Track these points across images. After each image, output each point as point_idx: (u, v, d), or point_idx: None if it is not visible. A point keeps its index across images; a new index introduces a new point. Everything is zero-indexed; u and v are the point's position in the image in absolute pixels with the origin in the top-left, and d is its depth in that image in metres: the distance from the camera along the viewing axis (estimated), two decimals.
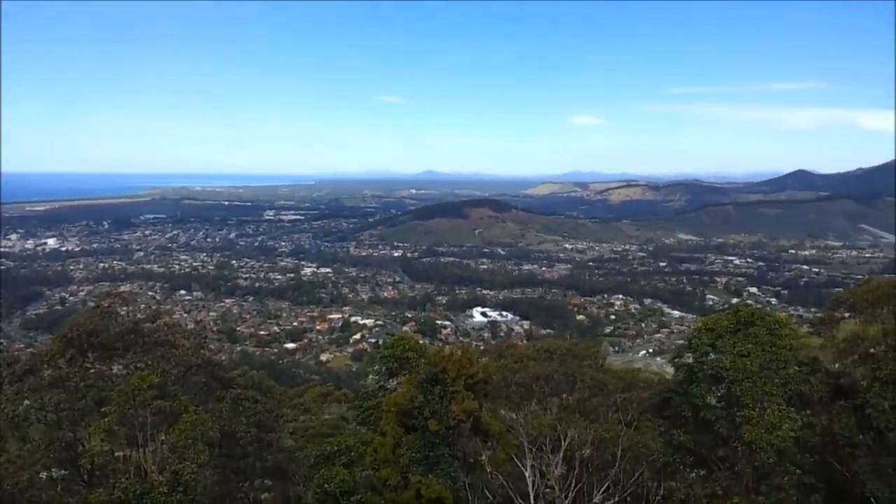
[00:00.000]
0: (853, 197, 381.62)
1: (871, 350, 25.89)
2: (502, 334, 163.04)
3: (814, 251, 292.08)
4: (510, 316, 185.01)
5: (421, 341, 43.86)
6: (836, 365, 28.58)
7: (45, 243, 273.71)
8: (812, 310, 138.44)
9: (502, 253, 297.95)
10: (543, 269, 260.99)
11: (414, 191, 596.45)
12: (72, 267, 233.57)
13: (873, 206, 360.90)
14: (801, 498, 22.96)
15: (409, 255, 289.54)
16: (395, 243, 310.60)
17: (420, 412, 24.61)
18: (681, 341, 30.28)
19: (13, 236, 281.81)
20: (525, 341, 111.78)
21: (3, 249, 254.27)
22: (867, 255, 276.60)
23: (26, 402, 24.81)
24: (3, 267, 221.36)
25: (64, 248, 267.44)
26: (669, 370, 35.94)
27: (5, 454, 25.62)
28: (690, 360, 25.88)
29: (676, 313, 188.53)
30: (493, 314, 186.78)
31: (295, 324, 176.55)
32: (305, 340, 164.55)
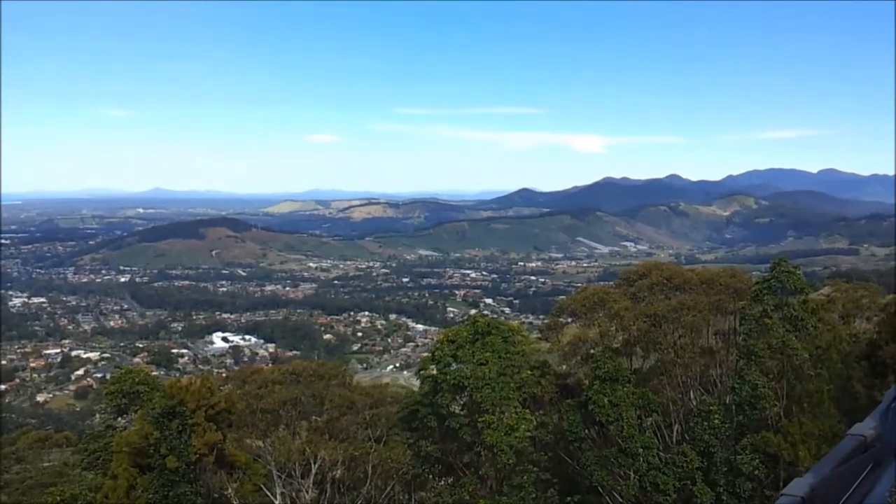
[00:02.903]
0: (570, 212, 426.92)
1: (591, 351, 28.59)
2: (246, 359, 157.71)
3: (539, 263, 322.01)
4: (254, 339, 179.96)
5: (154, 373, 40.78)
6: (563, 366, 31.23)
7: None
8: (540, 317, 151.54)
9: (243, 274, 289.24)
10: (287, 289, 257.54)
11: (141, 210, 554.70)
12: None
13: (587, 221, 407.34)
14: (539, 494, 24.55)
15: (137, 279, 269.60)
16: (122, 267, 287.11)
17: (156, 450, 22.96)
18: (425, 354, 31.14)
19: None
20: (270, 365, 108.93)
21: None
22: (584, 264, 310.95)
23: None
24: None
25: None
26: (416, 383, 36.87)
27: None
28: (435, 372, 26.66)
29: (421, 327, 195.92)
30: (236, 339, 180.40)
31: (3, 362, 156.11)
32: (17, 380, 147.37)
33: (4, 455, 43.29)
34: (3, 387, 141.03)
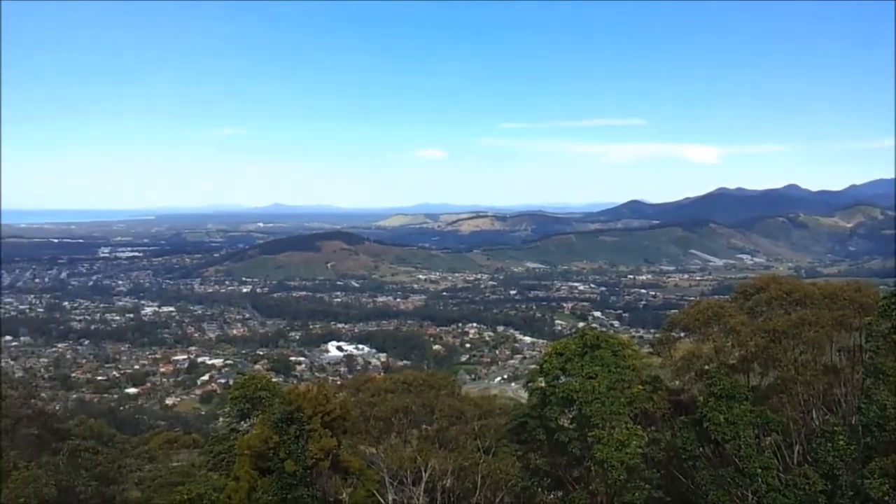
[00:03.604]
0: (682, 224, 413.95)
1: (706, 367, 27.79)
2: (359, 368, 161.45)
3: (650, 276, 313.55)
4: (366, 349, 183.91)
5: (274, 379, 42.54)
6: (676, 382, 30.48)
7: None
8: (651, 331, 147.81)
9: (356, 285, 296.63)
10: (398, 300, 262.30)
11: (262, 224, 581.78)
12: None
13: (700, 233, 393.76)
14: None
15: (258, 290, 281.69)
16: (244, 278, 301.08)
17: (276, 453, 23.90)
18: (533, 366, 31.17)
19: None
20: (382, 374, 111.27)
21: None
22: (697, 277, 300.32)
23: None
24: None
25: None
26: (524, 395, 36.87)
27: None
28: (543, 384, 26.68)
29: (528, 339, 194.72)
30: (349, 348, 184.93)
31: (136, 367, 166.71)
32: (149, 384, 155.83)
33: (138, 454, 46.06)
34: (136, 390, 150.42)
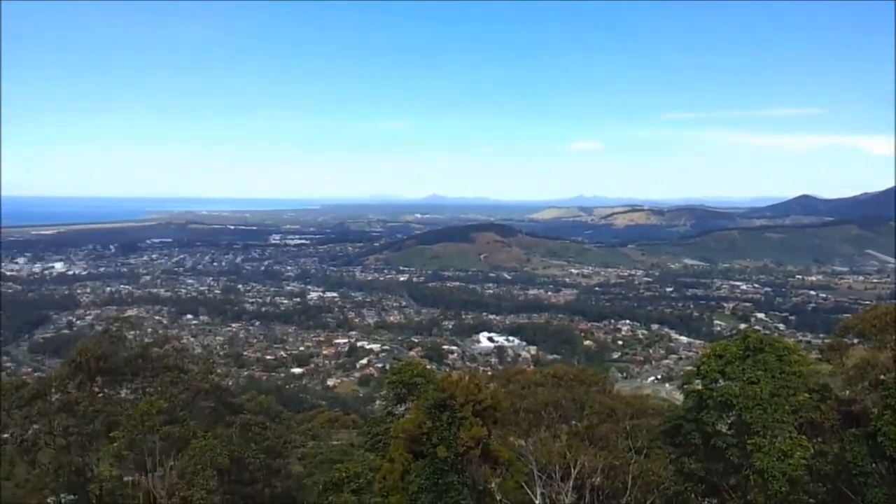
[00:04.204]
0: (858, 222, 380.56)
1: (882, 377, 25.70)
2: (509, 360, 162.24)
3: (820, 276, 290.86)
4: (517, 341, 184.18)
5: (428, 366, 43.81)
6: (847, 392, 28.37)
7: (53, 267, 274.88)
8: (820, 336, 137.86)
9: (508, 277, 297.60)
10: (549, 294, 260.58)
11: (419, 215, 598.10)
12: (79, 291, 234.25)
13: (878, 232, 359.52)
14: None
15: (414, 279, 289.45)
16: (401, 268, 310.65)
17: (429, 438, 24.54)
18: (689, 367, 30.10)
19: (20, 260, 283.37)
20: (532, 367, 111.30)
21: (9, 273, 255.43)
22: (874, 280, 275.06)
23: (35, 426, 24.84)
24: (10, 290, 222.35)
25: (71, 272, 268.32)
26: (678, 397, 35.75)
27: (13, 479, 25.61)
28: (700, 387, 25.75)
29: (684, 339, 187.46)
30: (500, 339, 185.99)
31: (301, 348, 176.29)
32: (312, 365, 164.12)
33: (302, 431, 48.82)
34: (300, 370, 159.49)
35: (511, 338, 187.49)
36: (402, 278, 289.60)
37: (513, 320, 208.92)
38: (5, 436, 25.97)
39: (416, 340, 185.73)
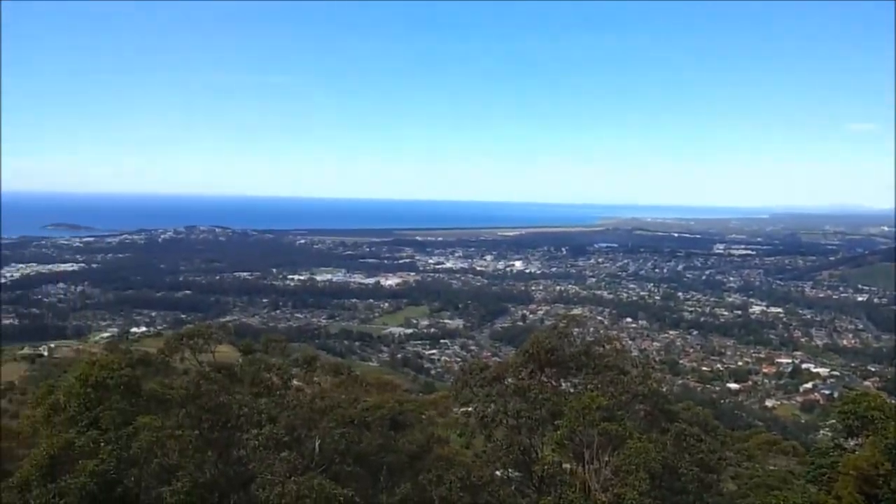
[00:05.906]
0: None
1: None
2: None
3: None
4: None
5: (887, 400, 38.18)
6: None
7: (513, 265, 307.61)
8: None
9: None
10: None
11: (886, 228, 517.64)
12: (533, 287, 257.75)
13: None
14: None
15: (875, 300, 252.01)
16: (860, 286, 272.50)
17: (886, 482, 21.73)
18: None
19: (488, 257, 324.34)
20: None
21: (478, 268, 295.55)
22: None
23: (493, 405, 28.27)
24: (477, 283, 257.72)
25: (528, 271, 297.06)
26: None
27: (473, 448, 29.66)
28: None
29: None
30: None
31: (739, 363, 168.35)
32: (749, 382, 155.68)
33: (736, 449, 46.69)
34: (737, 386, 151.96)
35: None
36: (859, 298, 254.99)
37: None
38: (469, 409, 30.22)
39: (872, 369, 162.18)
